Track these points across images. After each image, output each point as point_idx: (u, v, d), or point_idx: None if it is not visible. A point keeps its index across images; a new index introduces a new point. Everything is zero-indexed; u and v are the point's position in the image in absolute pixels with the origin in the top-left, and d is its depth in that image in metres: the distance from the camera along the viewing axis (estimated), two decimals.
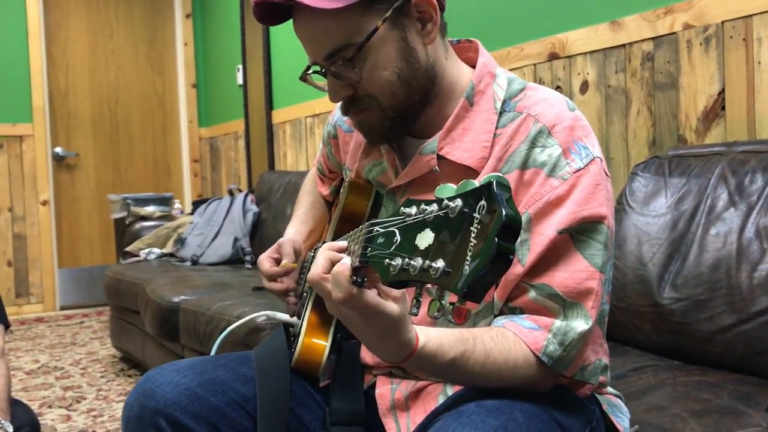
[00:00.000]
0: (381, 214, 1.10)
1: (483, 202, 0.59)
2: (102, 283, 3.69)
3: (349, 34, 0.94)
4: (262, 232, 3.54)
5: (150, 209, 4.07)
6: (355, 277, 0.78)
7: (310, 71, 1.04)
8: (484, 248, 0.57)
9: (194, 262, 3.49)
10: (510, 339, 0.89)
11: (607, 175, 0.96)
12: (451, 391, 0.99)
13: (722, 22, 1.79)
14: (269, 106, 4.21)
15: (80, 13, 4.98)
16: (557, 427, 0.89)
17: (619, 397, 1.10)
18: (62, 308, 4.84)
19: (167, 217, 4.05)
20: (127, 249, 3.78)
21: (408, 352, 0.80)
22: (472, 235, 0.59)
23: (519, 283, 0.92)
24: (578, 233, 0.91)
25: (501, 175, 0.61)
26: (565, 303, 0.91)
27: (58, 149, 4.85)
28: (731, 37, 1.78)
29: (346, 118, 1.19)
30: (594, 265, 0.91)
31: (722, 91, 1.81)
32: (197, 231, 3.70)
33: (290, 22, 1.01)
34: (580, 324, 0.90)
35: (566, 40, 2.24)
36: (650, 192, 1.62)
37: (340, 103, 1.04)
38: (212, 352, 1.38)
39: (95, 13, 5.04)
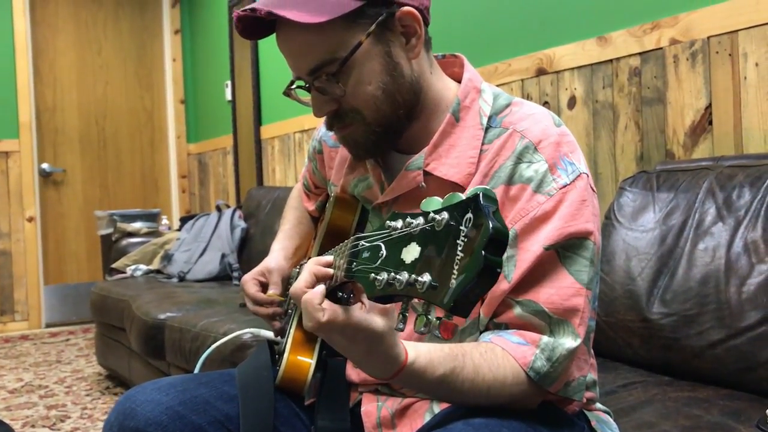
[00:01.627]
0: (367, 230, 1.08)
1: (469, 215, 0.58)
2: (88, 300, 3.65)
3: (333, 48, 0.93)
4: (250, 248, 3.52)
5: (137, 225, 4.04)
6: (340, 293, 0.77)
7: (294, 86, 1.03)
8: (470, 262, 0.56)
9: (181, 279, 3.46)
10: (498, 354, 0.88)
11: (593, 190, 0.95)
12: (437, 408, 0.98)
13: (708, 38, 1.80)
14: (258, 121, 4.20)
15: (68, 28, 4.96)
16: None
17: (608, 413, 1.09)
18: (48, 326, 4.79)
19: (154, 234, 4.02)
20: (114, 265, 3.75)
21: (397, 368, 0.79)
22: (459, 248, 0.57)
23: (505, 299, 0.91)
24: (565, 249, 0.90)
25: (488, 188, 0.60)
26: (551, 320, 0.90)
27: (44, 165, 4.82)
28: (717, 52, 1.79)
29: (331, 133, 1.19)
30: (580, 282, 0.90)
31: (709, 106, 1.81)
32: (184, 247, 3.67)
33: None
34: (568, 341, 0.89)
35: (554, 56, 2.24)
36: (638, 207, 1.61)
37: (324, 118, 1.03)
38: (196, 370, 1.37)
39: (83, 28, 5.03)
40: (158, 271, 3.67)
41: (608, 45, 2.06)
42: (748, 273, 1.34)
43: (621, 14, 2.04)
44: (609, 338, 1.54)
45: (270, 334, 1.26)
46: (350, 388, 1.08)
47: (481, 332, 0.94)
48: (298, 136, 3.81)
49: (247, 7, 0.93)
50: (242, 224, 3.61)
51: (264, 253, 3.46)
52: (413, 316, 0.65)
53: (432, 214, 0.61)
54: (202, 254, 3.56)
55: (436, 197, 0.65)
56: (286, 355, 1.07)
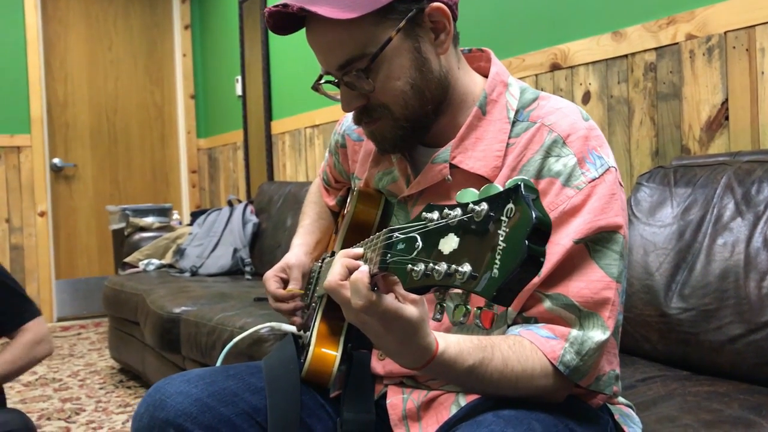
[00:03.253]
0: (392, 223, 1.09)
1: (510, 205, 0.59)
2: (100, 294, 3.67)
3: (363, 44, 0.94)
4: (262, 242, 3.53)
5: (149, 220, 4.06)
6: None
7: (323, 81, 1.04)
8: (514, 251, 0.57)
9: (193, 273, 3.48)
10: (527, 347, 0.89)
11: (621, 185, 0.96)
12: (464, 401, 0.98)
13: (725, 33, 1.80)
14: (268, 116, 4.21)
15: (79, 24, 4.98)
16: None
17: (631, 407, 1.09)
18: (59, 320, 4.81)
19: (166, 228, 4.03)
20: (126, 260, 3.77)
21: (428, 358, 0.79)
22: (500, 239, 0.58)
23: (534, 293, 0.92)
24: (594, 243, 0.91)
25: (526, 178, 0.61)
26: (581, 313, 0.90)
27: (56, 160, 4.84)
28: (734, 47, 1.79)
29: (355, 126, 1.19)
30: (610, 275, 0.91)
31: (725, 101, 1.81)
32: (196, 242, 3.69)
33: (298, 33, 1.01)
34: (597, 334, 0.90)
35: (568, 51, 2.24)
36: (656, 202, 1.62)
37: (351, 113, 1.04)
38: (218, 364, 1.38)
39: (94, 24, 5.04)
40: (170, 266, 3.69)
41: (623, 40, 2.06)
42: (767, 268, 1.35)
43: (636, 9, 2.04)
44: (627, 333, 1.55)
45: (290, 328, 1.27)
46: (375, 381, 1.09)
47: (508, 326, 0.95)
48: (309, 132, 3.82)
49: (279, 2, 0.93)
50: (254, 219, 3.62)
51: (276, 247, 3.46)
52: (450, 306, 0.65)
53: (471, 205, 0.62)
54: (214, 249, 3.57)
55: (471, 189, 0.65)
56: (311, 347, 1.08)
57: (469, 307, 0.63)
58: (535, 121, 0.97)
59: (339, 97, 1.03)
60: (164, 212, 4.25)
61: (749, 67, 1.76)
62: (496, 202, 0.60)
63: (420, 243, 0.66)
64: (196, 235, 3.74)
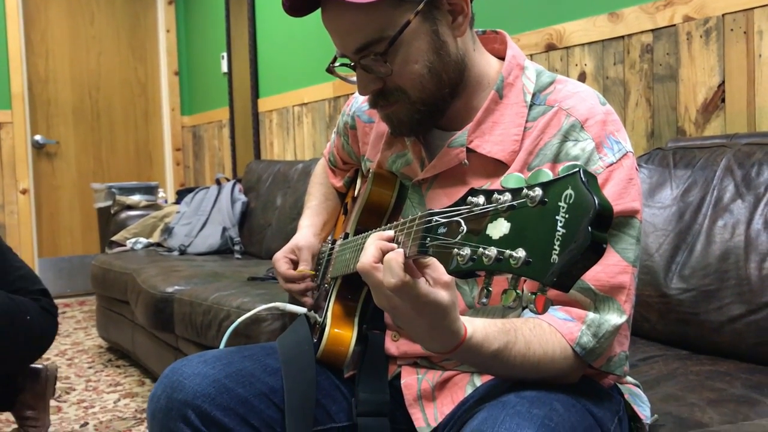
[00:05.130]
0: (406, 206, 1.10)
1: (569, 191, 0.58)
2: (83, 273, 3.65)
3: (381, 27, 0.93)
4: (251, 221, 3.52)
5: (136, 198, 4.02)
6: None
7: (338, 63, 1.03)
8: (576, 238, 0.57)
9: (182, 252, 3.46)
10: (546, 330, 0.90)
11: (637, 170, 0.97)
12: (479, 381, 1.00)
13: (723, 15, 1.81)
14: (255, 94, 4.17)
15: None
16: (591, 417, 0.90)
17: (638, 386, 1.11)
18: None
19: (153, 207, 4.00)
20: (113, 238, 3.74)
21: (457, 342, 0.80)
22: (560, 224, 0.58)
23: None
24: (611, 228, 0.91)
25: (581, 164, 0.61)
26: (596, 297, 0.91)
27: (37, 137, 4.77)
28: (732, 30, 1.80)
29: (365, 107, 1.19)
30: (626, 260, 0.92)
31: (722, 84, 1.83)
32: (185, 220, 3.67)
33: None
34: (614, 317, 0.91)
35: (564, 31, 2.25)
36: (655, 183, 1.64)
37: (360, 95, 1.04)
38: (221, 345, 1.38)
39: None
40: (158, 245, 3.67)
41: (620, 21, 2.07)
42: None
43: None
44: None
45: (296, 309, 1.27)
46: (389, 362, 1.10)
47: (523, 308, 0.96)
48: (297, 110, 3.79)
49: None
50: (243, 198, 3.61)
51: (265, 226, 3.46)
52: (498, 289, 0.64)
53: (525, 191, 0.61)
54: (202, 228, 3.56)
55: (515, 173, 0.66)
56: (327, 328, 1.08)
57: (519, 291, 0.63)
58: (553, 105, 0.98)
59: (353, 79, 1.03)
60: (150, 190, 4.21)
61: (746, 50, 1.77)
62: (552, 187, 0.60)
63: (464, 227, 0.66)
64: (183, 214, 3.71)
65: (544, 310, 0.62)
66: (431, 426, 1.01)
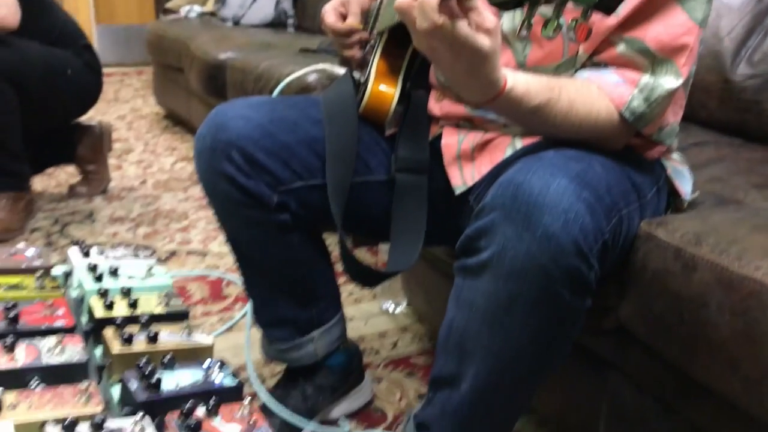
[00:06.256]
0: None
1: None
2: (140, 43, 3.64)
3: None
4: None
5: None
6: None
7: None
8: None
9: (236, 23, 3.41)
10: (594, 92, 0.87)
11: None
12: (520, 144, 0.99)
13: None
14: None
15: None
16: (629, 182, 0.89)
17: (683, 163, 1.09)
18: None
19: None
20: (168, 5, 3.69)
21: (495, 92, 0.78)
22: None
23: (608, 37, 0.88)
24: None
25: None
26: (654, 59, 0.87)
27: None
28: None
29: None
30: (694, 19, 0.86)
31: None
32: None
33: None
34: (669, 80, 0.87)
35: None
36: None
37: None
38: (274, 95, 1.37)
39: None
40: (212, 14, 3.62)
41: None
42: None
43: None
44: None
45: (343, 72, 1.25)
46: (431, 122, 1.09)
47: (576, 70, 0.93)
48: None
49: None
50: None
51: (322, 3, 3.34)
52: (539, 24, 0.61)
53: None
54: None
55: None
56: (370, 84, 1.07)
57: (562, 21, 0.60)
58: None
59: None
60: None
61: None
62: None
63: None
64: None
65: (586, 39, 0.59)
66: (467, 185, 1.01)
